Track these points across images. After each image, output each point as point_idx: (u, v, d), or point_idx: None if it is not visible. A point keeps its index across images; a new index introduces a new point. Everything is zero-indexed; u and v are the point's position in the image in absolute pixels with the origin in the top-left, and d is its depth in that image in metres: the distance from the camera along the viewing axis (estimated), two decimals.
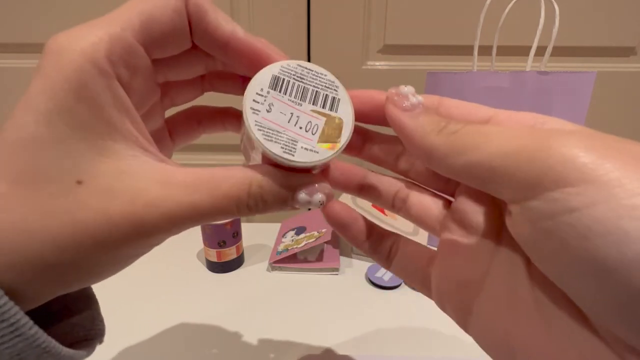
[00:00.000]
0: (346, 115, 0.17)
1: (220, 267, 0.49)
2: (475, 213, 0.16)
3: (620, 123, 0.75)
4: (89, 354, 0.16)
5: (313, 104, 0.16)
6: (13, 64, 0.74)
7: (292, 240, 0.52)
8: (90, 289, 0.18)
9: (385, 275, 0.47)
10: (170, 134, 0.21)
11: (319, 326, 0.40)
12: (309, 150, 0.16)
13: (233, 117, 0.22)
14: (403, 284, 0.46)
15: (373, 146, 0.20)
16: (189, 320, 0.41)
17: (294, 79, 0.16)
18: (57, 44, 0.13)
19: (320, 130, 0.16)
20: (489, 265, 0.16)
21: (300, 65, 0.17)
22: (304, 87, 0.16)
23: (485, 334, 0.16)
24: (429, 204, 0.19)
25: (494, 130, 0.14)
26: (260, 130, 0.15)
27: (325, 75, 0.17)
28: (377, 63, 0.74)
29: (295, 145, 0.16)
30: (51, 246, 0.12)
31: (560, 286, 0.12)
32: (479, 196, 0.16)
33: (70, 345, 0.15)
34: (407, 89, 0.16)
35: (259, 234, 0.57)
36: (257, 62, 0.17)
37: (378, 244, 0.20)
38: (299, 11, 0.70)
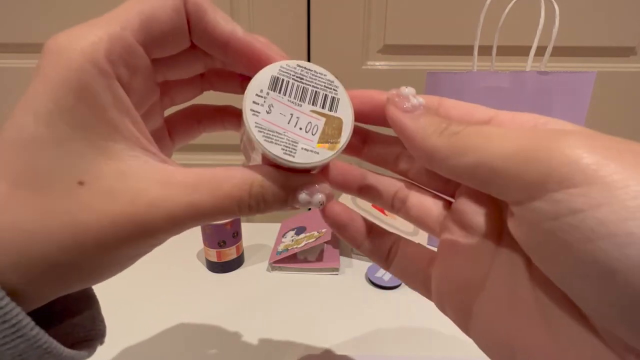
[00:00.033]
0: (346, 115, 0.17)
1: (220, 267, 0.49)
2: (476, 214, 0.16)
3: (620, 123, 0.75)
4: (90, 354, 0.16)
5: (313, 104, 0.16)
6: (13, 64, 0.74)
7: (292, 240, 0.52)
8: (91, 289, 0.18)
9: (385, 275, 0.47)
10: (170, 134, 0.21)
11: (318, 326, 0.40)
12: (309, 151, 0.16)
13: (232, 116, 0.22)
14: (403, 284, 0.46)
15: (373, 146, 0.20)
16: (189, 320, 0.41)
17: (293, 79, 0.16)
18: (57, 44, 0.13)
19: (320, 131, 0.16)
20: (489, 266, 0.15)
21: (299, 66, 0.17)
22: (304, 87, 0.16)
23: (485, 335, 0.16)
24: (428, 204, 0.19)
25: (496, 131, 0.14)
26: (260, 132, 0.15)
27: (324, 75, 0.17)
28: (377, 63, 0.74)
29: (295, 146, 0.16)
30: (52, 247, 0.12)
31: (562, 287, 0.12)
32: (480, 197, 0.16)
33: (72, 345, 0.15)
34: (408, 90, 0.16)
35: (259, 234, 0.57)
36: (257, 62, 0.17)
37: (377, 245, 0.20)
38: (299, 11, 0.70)
